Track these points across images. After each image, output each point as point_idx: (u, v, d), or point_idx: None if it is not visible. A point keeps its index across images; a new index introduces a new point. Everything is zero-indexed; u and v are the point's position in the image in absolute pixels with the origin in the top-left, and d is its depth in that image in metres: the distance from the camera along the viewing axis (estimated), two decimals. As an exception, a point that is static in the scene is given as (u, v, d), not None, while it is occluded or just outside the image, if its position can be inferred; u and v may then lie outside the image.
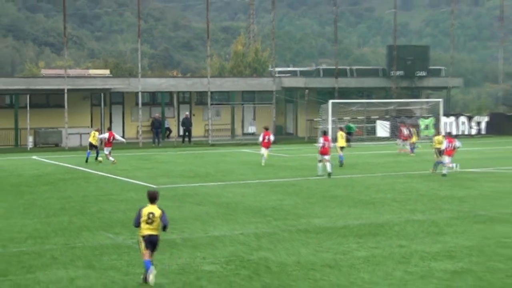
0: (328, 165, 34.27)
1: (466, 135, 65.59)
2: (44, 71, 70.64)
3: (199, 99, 64.84)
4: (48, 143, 54.47)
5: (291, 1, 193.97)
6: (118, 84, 58.76)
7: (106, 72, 68.13)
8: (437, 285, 15.10)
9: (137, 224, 15.19)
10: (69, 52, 77.69)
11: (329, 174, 34.18)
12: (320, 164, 34.57)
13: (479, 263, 16.86)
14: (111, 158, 40.37)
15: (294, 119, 68.34)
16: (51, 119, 56.72)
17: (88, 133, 53.34)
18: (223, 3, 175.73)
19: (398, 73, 66.89)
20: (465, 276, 15.73)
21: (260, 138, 40.50)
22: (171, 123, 62.15)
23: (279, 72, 71.95)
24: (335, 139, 40.95)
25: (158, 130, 57.83)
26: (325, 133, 36.11)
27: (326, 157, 34.44)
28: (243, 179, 33.70)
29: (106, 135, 41.28)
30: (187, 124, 59.38)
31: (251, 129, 65.47)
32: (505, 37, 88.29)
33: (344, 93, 64.68)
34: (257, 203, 25.92)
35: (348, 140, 48.00)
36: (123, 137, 48.95)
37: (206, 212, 24.06)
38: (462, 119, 67.02)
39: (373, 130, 62.69)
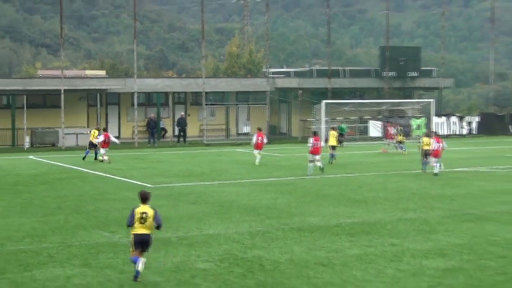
0: (318, 163, 34.67)
1: (457, 135, 65.87)
2: (41, 72, 70.67)
3: (194, 99, 64.97)
4: (45, 143, 54.53)
5: (285, 3, 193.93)
6: (114, 85, 58.84)
7: (102, 72, 68.21)
8: (429, 282, 15.27)
9: (131, 224, 15.43)
10: (65, 53, 77.78)
11: (322, 169, 34.60)
12: (311, 164, 34.84)
13: (470, 261, 17.06)
14: (105, 158, 40.79)
15: (288, 119, 68.51)
16: (48, 119, 56.82)
17: (84, 133, 54.05)
18: (218, 5, 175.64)
19: (391, 73, 67.10)
20: (456, 274, 15.92)
21: (254, 140, 40.50)
22: (167, 123, 62.30)
23: (273, 72, 72.08)
24: (327, 139, 41.26)
25: (154, 130, 57.92)
26: (315, 133, 36.36)
27: (317, 157, 34.80)
28: (238, 178, 33.85)
29: (101, 138, 41.55)
30: (182, 124, 59.52)
31: (246, 129, 65.62)
32: (496, 38, 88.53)
33: (337, 93, 64.87)
34: (251, 202, 26.07)
35: (340, 142, 48.41)
36: (118, 137, 49.12)
37: (201, 211, 24.21)
38: (453, 119, 67.25)
39: (365, 130, 62.91)
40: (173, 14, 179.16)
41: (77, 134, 55.16)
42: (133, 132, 57.67)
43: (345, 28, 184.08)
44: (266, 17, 67.26)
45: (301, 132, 62.17)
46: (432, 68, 75.51)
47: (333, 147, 40.75)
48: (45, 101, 58.72)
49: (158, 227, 15.55)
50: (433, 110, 59.99)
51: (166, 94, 63.34)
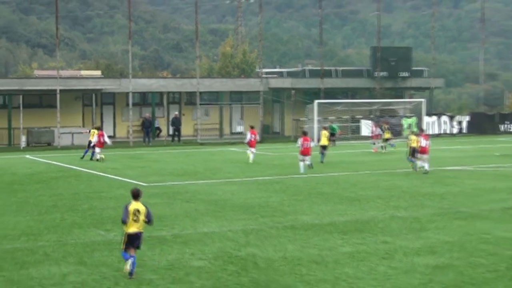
0: (306, 162, 34.98)
1: (448, 134, 66.08)
2: (37, 72, 70.62)
3: (189, 99, 65.05)
4: (41, 142, 54.58)
5: (278, 4, 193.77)
6: (109, 85, 58.90)
7: (98, 73, 68.19)
8: (420, 279, 15.42)
9: (125, 220, 15.64)
10: (61, 53, 77.67)
11: (311, 166, 34.95)
12: (301, 163, 35.10)
13: (461, 258, 17.22)
14: (98, 156, 41.34)
15: (281, 118, 68.67)
16: (44, 119, 56.88)
17: (80, 132, 54.28)
18: (212, 6, 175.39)
19: (382, 73, 67.27)
20: (447, 271, 16.08)
21: (248, 136, 40.94)
22: (161, 123, 62.38)
23: (266, 73, 72.16)
24: (319, 139, 41.46)
25: (149, 129, 58.05)
26: (304, 133, 36.47)
27: (307, 157, 35.01)
28: (231, 177, 34.00)
29: (95, 137, 41.84)
30: (176, 123, 59.66)
31: (239, 128, 65.75)
32: (486, 39, 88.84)
33: (330, 93, 65.01)
34: (245, 201, 26.23)
35: (332, 141, 48.69)
36: (113, 136, 49.25)
37: (196, 209, 24.35)
38: (444, 118, 67.43)
39: (357, 130, 63.11)
40: (167, 14, 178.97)
41: (72, 134, 55.25)
42: (128, 131, 57.77)
43: (337, 29, 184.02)
44: (259, 18, 67.39)
45: (294, 131, 62.32)
46: (423, 68, 75.70)
47: (324, 147, 40.85)
48: (41, 101, 58.77)
49: (148, 222, 15.84)
50: (424, 109, 60.26)
51: (160, 94, 63.43)
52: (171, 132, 60.43)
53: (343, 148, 51.71)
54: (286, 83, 66.51)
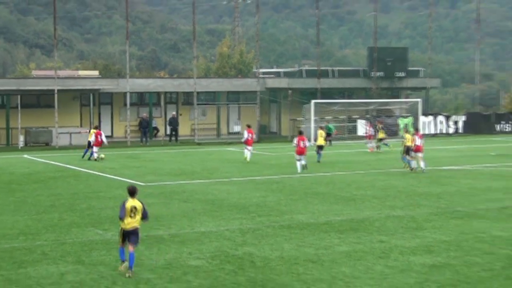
0: (302, 162, 35.07)
1: (444, 134, 66.18)
2: (35, 72, 70.56)
3: (186, 99, 65.11)
4: (39, 142, 54.63)
5: (275, 4, 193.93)
6: (107, 85, 58.94)
7: (95, 73, 68.20)
8: (416, 278, 15.50)
9: (123, 216, 15.82)
10: (59, 53, 77.83)
11: (305, 166, 35.06)
12: (298, 163, 35.22)
13: (457, 257, 17.29)
14: (96, 155, 41.46)
15: (278, 118, 68.78)
16: (42, 119, 56.95)
17: (78, 132, 54.33)
18: (209, 7, 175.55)
19: (378, 74, 67.36)
20: (443, 270, 16.16)
21: (245, 135, 41.09)
22: (159, 123, 62.44)
23: (263, 73, 72.23)
24: (316, 139, 41.56)
25: (146, 129, 58.12)
26: (300, 133, 36.58)
27: (303, 156, 35.13)
28: (228, 176, 34.05)
29: (93, 137, 41.96)
30: (174, 123, 59.72)
31: (236, 128, 65.83)
32: (482, 39, 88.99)
33: (326, 93, 65.12)
34: (241, 200, 26.30)
35: (329, 141, 48.80)
36: (111, 136, 49.34)
37: (193, 208, 24.42)
38: (440, 118, 67.52)
39: (354, 129, 63.20)
40: (165, 15, 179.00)
41: (70, 134, 55.31)
42: (126, 131, 57.83)
43: (334, 29, 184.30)
44: (256, 18, 67.41)
45: (291, 131, 62.39)
46: (419, 69, 75.83)
47: (321, 147, 40.92)
48: (39, 101, 58.84)
49: (143, 217, 16.02)
50: (420, 109, 60.36)
51: (158, 94, 63.52)
52: (168, 132, 60.51)
53: (339, 148, 51.78)
54: (283, 83, 66.61)
